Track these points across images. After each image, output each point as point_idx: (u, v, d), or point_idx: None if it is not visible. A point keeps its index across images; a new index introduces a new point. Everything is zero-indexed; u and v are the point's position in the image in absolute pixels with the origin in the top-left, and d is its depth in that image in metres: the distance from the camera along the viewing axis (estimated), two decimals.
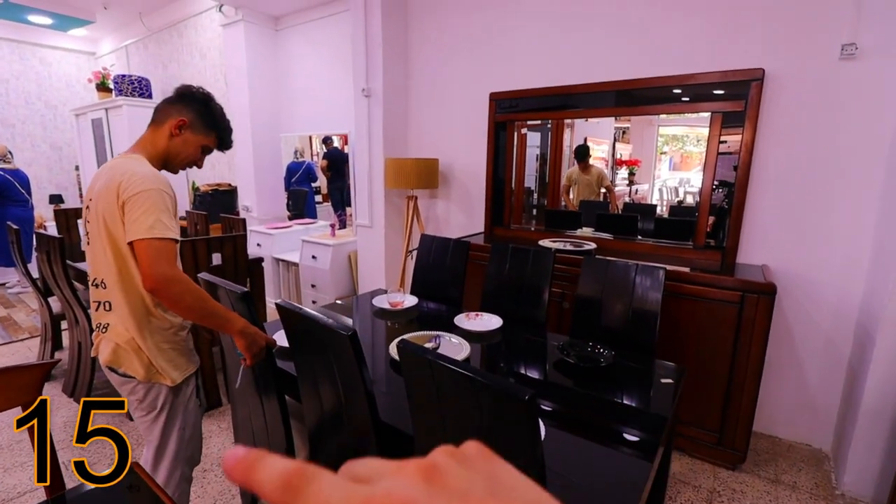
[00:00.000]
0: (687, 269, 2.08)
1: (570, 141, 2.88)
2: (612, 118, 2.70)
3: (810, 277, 2.13)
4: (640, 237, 2.62)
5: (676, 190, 2.68)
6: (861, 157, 1.96)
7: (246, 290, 1.25)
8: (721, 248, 2.29)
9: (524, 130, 2.95)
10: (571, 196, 2.90)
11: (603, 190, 2.83)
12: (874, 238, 1.96)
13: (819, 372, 2.16)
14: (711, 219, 2.34)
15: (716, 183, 2.30)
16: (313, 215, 5.85)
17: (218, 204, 4.63)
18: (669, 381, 1.38)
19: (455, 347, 1.50)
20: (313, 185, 6.25)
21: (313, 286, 3.73)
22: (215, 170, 5.09)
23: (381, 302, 2.02)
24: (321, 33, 3.94)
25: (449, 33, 3.10)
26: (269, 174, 4.48)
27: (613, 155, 2.78)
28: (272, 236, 4.03)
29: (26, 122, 6.07)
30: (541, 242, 2.54)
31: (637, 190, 2.79)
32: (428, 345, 1.51)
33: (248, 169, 4.41)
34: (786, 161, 2.12)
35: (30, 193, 4.62)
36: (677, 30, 2.29)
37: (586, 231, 2.77)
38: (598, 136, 2.83)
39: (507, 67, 2.89)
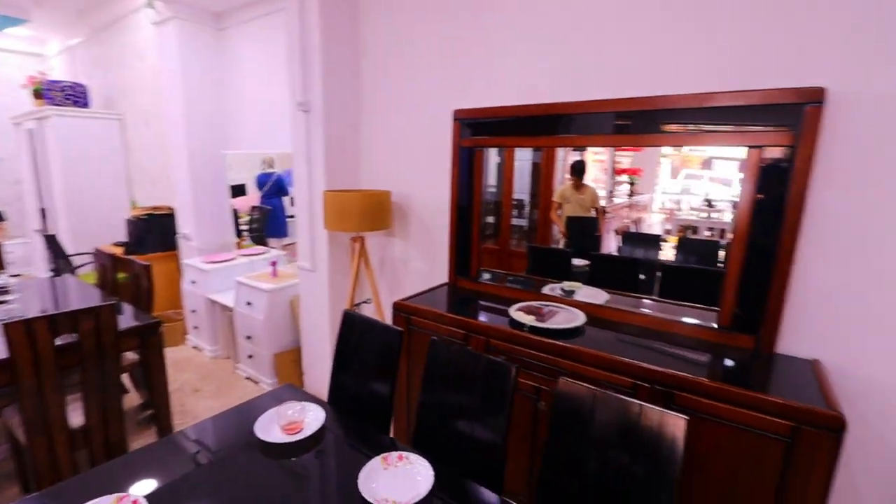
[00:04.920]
0: (704, 378, 1.44)
1: (563, 153, 2.29)
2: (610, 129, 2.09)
3: (888, 386, 1.49)
4: (641, 295, 1.97)
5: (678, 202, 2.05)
6: None
7: None
8: (754, 331, 1.66)
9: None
10: (560, 213, 2.29)
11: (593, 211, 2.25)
12: None
13: None
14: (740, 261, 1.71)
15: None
16: (283, 234, 5.22)
17: (156, 231, 4.02)
18: None
19: None
20: (286, 198, 5.62)
21: (248, 338, 3.10)
22: (156, 187, 4.47)
23: (269, 427, 1.34)
24: (269, 32, 3.32)
25: (411, 38, 2.48)
26: (210, 196, 3.86)
27: (613, 164, 2.21)
28: (206, 273, 3.41)
29: None
30: (512, 312, 1.90)
31: (638, 202, 2.20)
32: None
33: (185, 190, 3.78)
34: (855, 216, 1.48)
35: None
36: (700, 34, 1.66)
37: (574, 284, 2.13)
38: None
39: (477, 81, 2.26)
